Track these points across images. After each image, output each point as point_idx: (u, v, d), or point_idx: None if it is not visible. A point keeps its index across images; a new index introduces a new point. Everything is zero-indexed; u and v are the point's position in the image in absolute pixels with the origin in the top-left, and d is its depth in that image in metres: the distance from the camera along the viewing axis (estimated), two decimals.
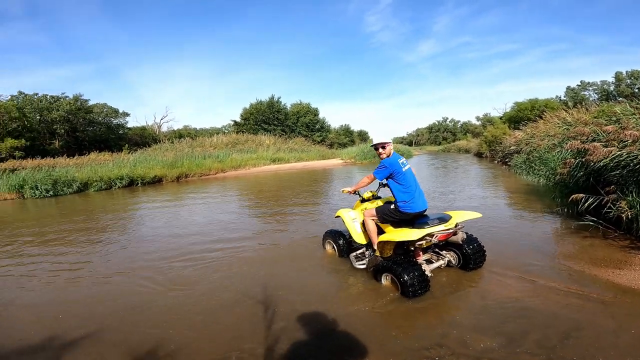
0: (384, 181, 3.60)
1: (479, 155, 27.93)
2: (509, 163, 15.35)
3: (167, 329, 2.88)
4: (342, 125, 48.33)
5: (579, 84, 45.56)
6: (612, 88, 41.66)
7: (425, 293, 3.17)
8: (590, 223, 4.71)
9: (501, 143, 20.30)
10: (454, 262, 3.77)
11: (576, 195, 4.81)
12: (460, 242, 3.59)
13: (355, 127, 52.26)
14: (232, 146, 27.59)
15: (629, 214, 4.15)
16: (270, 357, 2.43)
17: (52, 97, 29.84)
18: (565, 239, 4.80)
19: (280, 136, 33.79)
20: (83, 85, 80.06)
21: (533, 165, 10.01)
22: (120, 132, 35.98)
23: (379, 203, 3.89)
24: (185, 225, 6.77)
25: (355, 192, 4.08)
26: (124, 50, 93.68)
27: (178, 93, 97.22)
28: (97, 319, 3.11)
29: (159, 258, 4.78)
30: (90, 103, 32.91)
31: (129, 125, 38.73)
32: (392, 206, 3.49)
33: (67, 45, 79.67)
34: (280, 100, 38.41)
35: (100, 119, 34.35)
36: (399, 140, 79.37)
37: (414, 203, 3.39)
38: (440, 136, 74.34)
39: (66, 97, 30.53)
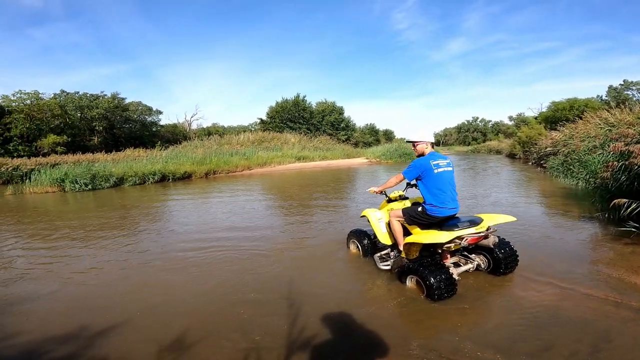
0: (413, 181, 3.52)
1: (511, 156, 26.81)
2: (544, 165, 14.63)
3: (191, 319, 2.97)
4: (367, 124, 48.06)
5: (622, 83, 42.59)
6: None
7: (452, 296, 3.09)
8: (633, 230, 4.42)
9: (536, 144, 19.35)
10: (483, 266, 3.62)
11: (619, 200, 4.53)
12: (492, 246, 3.44)
13: (381, 127, 51.69)
14: (258, 144, 28.09)
15: None
16: (290, 354, 2.45)
17: (92, 95, 31.71)
18: (605, 245, 4.53)
19: (305, 134, 34.00)
20: (120, 84, 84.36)
21: (571, 167, 9.51)
22: (154, 129, 37.64)
23: (406, 204, 3.78)
24: (212, 220, 6.99)
25: (382, 192, 3.97)
26: (157, 50, 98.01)
27: (207, 91, 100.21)
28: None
29: (181, 249, 4.98)
30: (126, 101, 34.72)
31: (162, 122, 40.51)
32: (420, 208, 3.36)
33: (105, 44, 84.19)
34: (305, 98, 38.68)
35: (135, 116, 36.12)
36: None
37: (442, 207, 3.24)
38: (469, 136, 71.99)
39: (105, 95, 32.37)
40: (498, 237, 3.50)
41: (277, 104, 38.45)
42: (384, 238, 3.86)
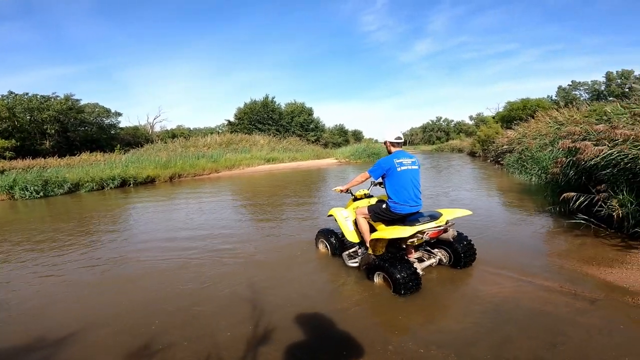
0: (380, 179, 3.61)
1: (472, 154, 28.13)
2: (501, 162, 15.47)
3: (156, 327, 2.83)
4: (336, 125, 48.45)
5: (570, 83, 46.27)
6: (602, 88, 42.34)
7: (417, 291, 3.20)
8: (582, 221, 4.75)
9: (494, 142, 20.45)
10: (444, 260, 3.79)
11: (567, 193, 4.85)
12: (451, 240, 3.63)
13: (350, 127, 52.34)
14: (226, 146, 27.45)
15: (619, 212, 4.20)
16: (263, 357, 2.40)
17: (43, 97, 29.47)
18: (557, 238, 4.84)
19: (275, 136, 33.71)
20: (75, 85, 79.10)
21: (525, 164, 10.09)
22: (112, 132, 35.69)
23: (371, 202, 3.90)
24: (177, 226, 6.69)
25: (347, 191, 4.08)
26: (117, 50, 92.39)
27: (172, 93, 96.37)
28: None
29: (148, 258, 4.72)
30: (82, 103, 32.62)
31: (121, 125, 38.47)
32: (384, 205, 3.48)
33: (59, 44, 78.25)
34: (274, 100, 38.39)
35: (91, 119, 34.04)
36: None
37: (405, 204, 3.36)
38: (434, 135, 74.75)
39: (57, 97, 30.23)
40: (457, 231, 3.69)
41: (245, 105, 37.84)
42: (351, 236, 3.93)
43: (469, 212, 3.61)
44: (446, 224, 3.39)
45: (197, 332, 2.77)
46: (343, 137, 46.33)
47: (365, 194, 4.20)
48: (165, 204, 9.91)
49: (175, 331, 2.80)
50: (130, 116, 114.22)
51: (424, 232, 3.23)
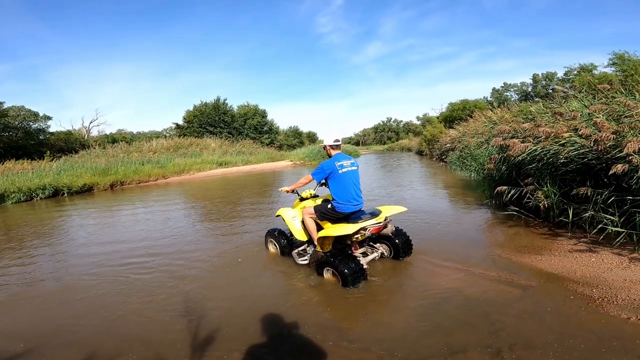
0: (324, 181, 3.80)
1: (419, 153, 29.63)
2: (445, 160, 16.46)
3: (113, 340, 2.53)
4: (290, 127, 48.17)
5: (503, 85, 50.73)
6: (529, 89, 46.99)
7: (363, 282, 3.41)
8: (514, 212, 5.17)
9: (438, 141, 21.74)
10: (386, 254, 4.08)
11: (500, 187, 5.24)
12: (391, 235, 3.93)
13: (305, 129, 52.44)
14: (174, 150, 26.00)
15: (545, 203, 4.62)
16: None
17: None
18: (494, 229, 5.20)
19: (227, 139, 32.64)
20: None
21: (465, 161, 10.82)
22: (41, 137, 32.00)
23: (317, 202, 4.06)
24: (119, 236, 6.12)
25: (293, 191, 4.21)
26: (46, 49, 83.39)
27: (111, 94, 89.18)
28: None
29: (86, 273, 4.23)
30: (5, 106, 28.88)
31: (52, 129, 34.64)
32: (329, 205, 3.66)
33: None
34: (226, 101, 37.17)
35: (16, 123, 30.26)
36: (347, 141, 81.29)
37: (347, 203, 3.59)
38: (385, 136, 77.69)
39: None
40: (395, 226, 4.01)
41: (195, 107, 36.12)
42: (300, 234, 4.08)
43: (404, 209, 3.96)
44: (385, 220, 3.66)
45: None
46: (298, 139, 46.23)
47: (311, 194, 4.35)
48: (101, 214, 9.05)
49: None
50: (62, 120, 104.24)
51: (367, 229, 3.49)
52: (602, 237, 3.92)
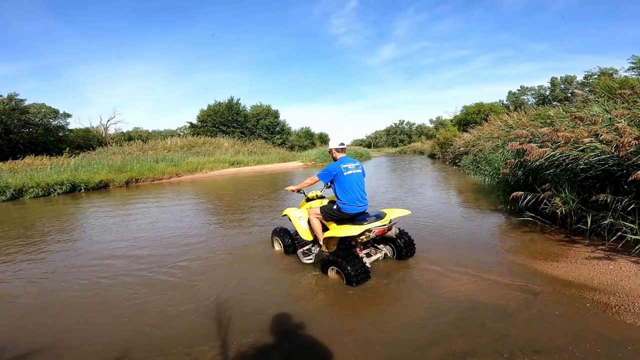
0: (329, 183, 3.86)
1: (432, 156, 29.33)
2: (458, 164, 16.24)
3: (123, 333, 2.60)
4: (302, 128, 48.44)
5: (519, 88, 49.81)
6: (547, 93, 46.00)
7: (367, 281, 3.50)
8: (529, 219, 5.07)
9: (452, 145, 21.47)
10: (389, 255, 4.15)
11: (516, 193, 5.15)
12: (394, 236, 4.02)
13: (316, 130, 52.56)
14: (188, 149, 26.46)
15: (562, 209, 4.51)
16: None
17: None
18: (508, 235, 5.11)
19: (240, 139, 33.05)
20: (19, 84, 72.13)
21: (479, 165, 10.65)
22: (60, 134, 33.02)
23: (323, 202, 4.14)
24: (133, 231, 6.26)
25: (299, 191, 4.31)
26: (67, 48, 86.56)
27: (128, 93, 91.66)
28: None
29: (100, 268, 4.35)
30: (27, 103, 29.96)
31: (71, 127, 35.73)
32: (335, 206, 3.75)
33: (1, 40, 71.31)
34: (239, 102, 37.63)
35: (37, 120, 31.31)
36: (359, 143, 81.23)
37: (353, 205, 3.66)
38: (397, 138, 77.22)
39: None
40: (398, 228, 4.10)
41: (209, 107, 36.72)
42: (305, 234, 4.17)
43: (408, 212, 3.99)
44: (390, 222, 3.73)
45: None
46: (309, 140, 46.41)
47: (317, 195, 4.46)
48: (117, 210, 9.26)
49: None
50: (82, 117, 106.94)
51: (372, 231, 3.55)
52: (620, 245, 3.82)
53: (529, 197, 5.04)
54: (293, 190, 4.27)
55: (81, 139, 33.81)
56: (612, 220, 3.87)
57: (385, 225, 3.64)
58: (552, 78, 45.57)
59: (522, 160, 5.38)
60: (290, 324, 2.86)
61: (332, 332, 2.68)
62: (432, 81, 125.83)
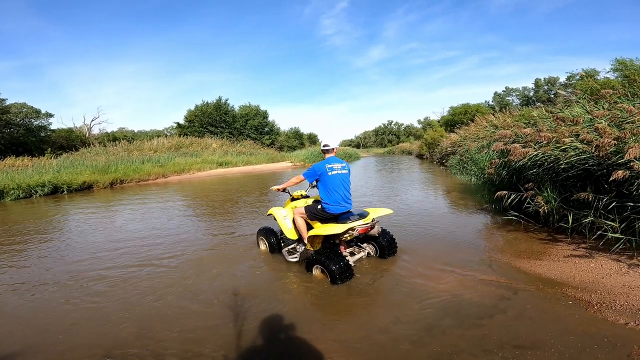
0: (314, 182, 3.93)
1: (420, 156, 29.63)
2: (445, 164, 16.44)
3: (108, 336, 2.50)
4: (291, 128, 48.30)
5: (504, 89, 50.77)
6: (531, 94, 47.00)
7: (350, 279, 3.55)
8: (514, 218, 5.15)
9: (439, 145, 21.72)
10: (372, 253, 4.23)
11: (500, 192, 5.22)
12: (377, 235, 4.06)
13: (305, 130, 52.50)
14: (175, 150, 26.04)
15: (545, 208, 4.59)
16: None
17: None
18: (493, 234, 5.18)
19: (228, 139, 32.71)
20: (0, 83, 69.86)
21: (466, 165, 10.79)
22: (42, 134, 32.09)
23: (308, 202, 4.21)
24: (116, 234, 6.10)
25: (284, 190, 4.36)
26: (50, 47, 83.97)
27: (113, 93, 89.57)
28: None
29: (86, 270, 4.21)
30: (8, 103, 28.99)
31: (53, 127, 34.72)
32: (319, 206, 3.81)
33: None
34: (227, 102, 37.27)
35: (18, 120, 30.35)
36: (347, 143, 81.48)
37: (337, 205, 3.74)
38: (385, 139, 77.77)
39: None
40: (381, 227, 4.14)
41: (196, 107, 36.27)
42: (290, 233, 4.21)
43: (391, 211, 4.09)
44: (372, 221, 3.79)
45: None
46: (298, 140, 46.30)
47: (302, 195, 4.51)
48: (100, 212, 9.03)
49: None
50: (65, 118, 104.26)
51: (355, 229, 3.62)
52: (601, 243, 3.90)
53: (512, 197, 5.12)
54: (278, 189, 4.32)
55: (64, 140, 32.93)
56: (593, 218, 3.96)
57: (368, 223, 3.71)
58: (535, 79, 46.57)
59: (506, 160, 5.46)
60: (276, 324, 2.86)
61: (318, 332, 2.66)
62: (421, 82, 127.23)
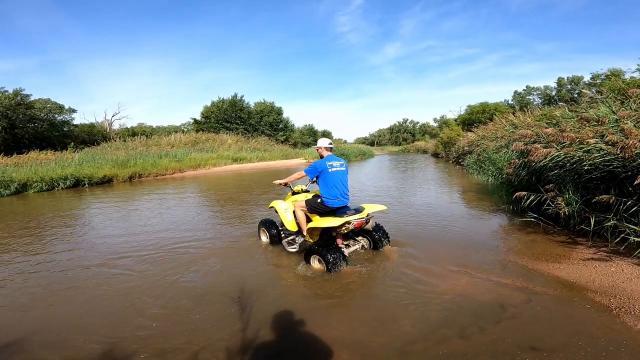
0: (315, 178, 4.16)
1: (435, 155, 29.21)
2: (462, 163, 16.17)
3: (115, 329, 2.62)
4: (305, 125, 48.36)
5: (525, 88, 49.32)
6: (554, 93, 45.51)
7: (343, 269, 3.80)
8: (532, 219, 5.04)
9: (455, 144, 21.36)
10: (366, 246, 4.47)
11: (519, 193, 5.11)
12: (371, 229, 4.33)
13: (320, 127, 52.48)
14: (191, 145, 26.46)
15: (565, 210, 4.48)
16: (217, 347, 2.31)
17: None
18: (511, 235, 5.08)
19: (243, 135, 33.03)
20: (25, 79, 72.74)
21: (483, 165, 10.59)
22: (65, 129, 33.18)
23: (308, 196, 4.40)
24: (134, 226, 6.29)
25: (286, 185, 4.63)
26: (73, 44, 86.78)
27: (134, 89, 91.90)
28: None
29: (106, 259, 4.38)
30: (32, 98, 30.12)
31: (76, 122, 35.85)
32: (319, 200, 4.04)
33: (8, 36, 71.45)
34: (243, 98, 37.59)
35: (42, 115, 31.44)
36: (361, 141, 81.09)
37: (335, 199, 3.98)
38: (400, 137, 76.89)
39: (5, 91, 27.67)
40: (375, 222, 4.41)
41: (212, 103, 36.73)
42: (291, 225, 4.45)
43: (384, 207, 4.34)
44: (367, 216, 4.03)
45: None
46: (312, 137, 46.33)
47: (302, 189, 4.75)
48: (122, 205, 9.32)
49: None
50: (86, 113, 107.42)
51: (351, 222, 3.86)
52: (623, 247, 3.79)
53: (532, 198, 5.01)
54: (280, 184, 4.60)
55: (85, 134, 33.98)
56: (615, 222, 3.84)
57: (363, 218, 3.95)
58: (558, 78, 44.98)
59: (526, 160, 5.34)
60: (274, 303, 3.11)
61: (327, 329, 2.67)
62: (438, 80, 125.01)
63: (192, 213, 7.68)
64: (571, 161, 4.46)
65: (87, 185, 14.28)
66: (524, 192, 5.07)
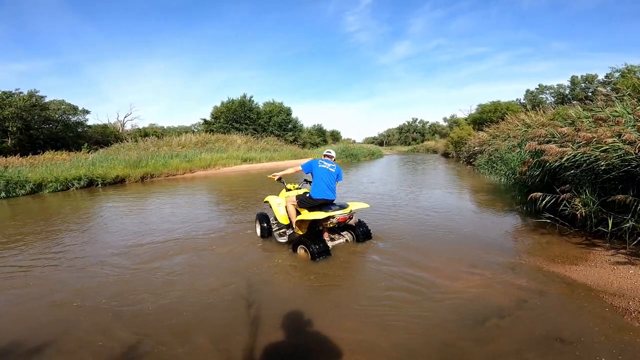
0: (310, 177, 4.68)
1: (445, 155, 28.91)
2: (473, 163, 15.96)
3: (109, 324, 2.67)
4: (314, 125, 48.40)
5: (538, 87, 48.40)
6: (567, 91, 44.54)
7: (327, 258, 4.18)
8: (547, 220, 4.95)
9: (466, 143, 21.10)
10: (349, 240, 4.84)
11: (534, 193, 5.02)
12: (354, 225, 4.78)
13: (328, 127, 52.47)
14: (201, 145, 26.74)
15: (582, 211, 4.38)
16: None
17: (5, 93, 27.49)
18: (525, 236, 5.00)
19: (252, 135, 33.24)
20: (40, 81, 74.54)
21: (495, 165, 10.42)
22: (79, 130, 33.86)
23: (299, 193, 4.78)
24: (144, 224, 6.39)
25: (280, 180, 5.05)
26: (86, 45, 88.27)
27: (145, 90, 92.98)
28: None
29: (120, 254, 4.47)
30: (47, 100, 30.84)
31: (89, 123, 36.58)
32: (308, 194, 4.51)
33: (23, 38, 73.37)
34: (252, 99, 37.82)
35: (57, 116, 32.16)
36: (370, 141, 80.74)
37: (320, 193, 4.44)
38: (409, 137, 76.34)
39: (20, 93, 28.37)
40: (358, 219, 4.87)
41: (222, 104, 37.06)
42: (283, 219, 4.86)
43: (367, 206, 4.73)
44: (350, 212, 4.42)
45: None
46: (321, 137, 46.36)
47: (295, 187, 5.15)
48: (135, 205, 9.47)
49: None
50: (100, 114, 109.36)
51: (335, 217, 4.26)
52: None
53: (547, 199, 4.91)
54: (276, 177, 5.00)
55: (99, 135, 34.63)
56: (633, 223, 3.75)
57: (346, 213, 4.35)
58: (572, 77, 43.95)
59: (540, 160, 5.25)
60: (264, 288, 3.48)
61: (337, 330, 2.68)
62: (448, 79, 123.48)
63: (207, 212, 7.75)
64: (588, 161, 4.36)
65: (100, 185, 14.56)
66: (539, 193, 4.97)
